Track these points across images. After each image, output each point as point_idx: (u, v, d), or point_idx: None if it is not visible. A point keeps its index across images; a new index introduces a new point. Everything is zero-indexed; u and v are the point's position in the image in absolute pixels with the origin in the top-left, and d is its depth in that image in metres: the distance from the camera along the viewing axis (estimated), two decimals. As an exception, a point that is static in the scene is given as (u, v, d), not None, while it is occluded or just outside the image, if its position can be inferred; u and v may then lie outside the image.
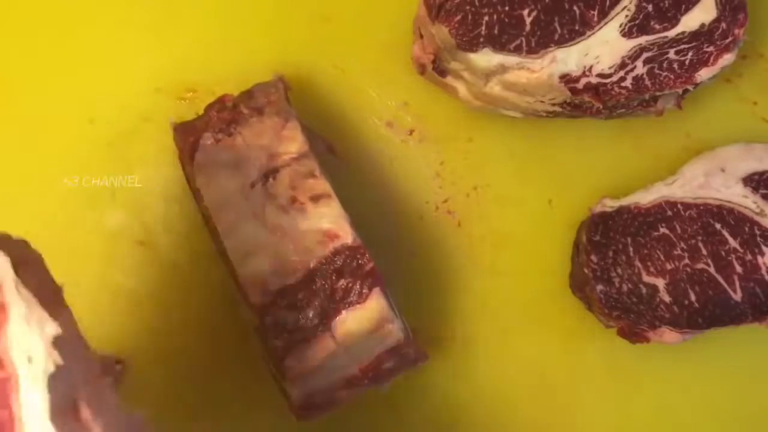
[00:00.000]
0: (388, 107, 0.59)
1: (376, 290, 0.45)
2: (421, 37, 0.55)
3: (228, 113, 0.49)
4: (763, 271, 0.54)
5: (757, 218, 0.55)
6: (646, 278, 0.55)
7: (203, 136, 0.48)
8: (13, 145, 0.57)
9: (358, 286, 0.45)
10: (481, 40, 0.50)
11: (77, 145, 0.57)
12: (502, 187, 0.59)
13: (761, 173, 0.57)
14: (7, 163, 0.57)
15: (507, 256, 0.59)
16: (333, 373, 0.46)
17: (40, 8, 0.58)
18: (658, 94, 0.53)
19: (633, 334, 0.55)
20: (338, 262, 0.45)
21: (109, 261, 0.56)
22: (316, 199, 0.46)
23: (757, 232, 0.55)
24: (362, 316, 0.45)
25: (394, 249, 0.57)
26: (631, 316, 0.54)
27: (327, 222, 0.46)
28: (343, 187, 0.48)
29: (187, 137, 0.48)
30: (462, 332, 0.58)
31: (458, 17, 0.50)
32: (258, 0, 0.59)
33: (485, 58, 0.51)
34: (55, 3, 0.58)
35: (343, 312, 0.45)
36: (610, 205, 0.56)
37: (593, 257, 0.55)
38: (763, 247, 0.55)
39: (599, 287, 0.55)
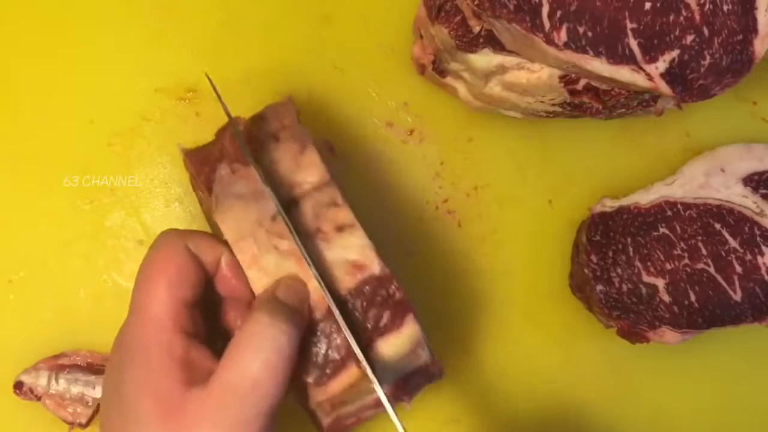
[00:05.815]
0: (388, 107, 0.59)
1: (410, 317, 0.45)
2: (421, 37, 0.55)
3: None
4: (763, 271, 0.54)
5: (757, 218, 0.55)
6: (646, 278, 0.55)
7: (219, 166, 0.46)
8: (13, 145, 0.57)
9: (389, 314, 0.44)
10: (481, 40, 0.50)
11: (77, 145, 0.57)
12: (502, 187, 0.59)
13: (761, 173, 0.57)
14: (8, 163, 0.57)
15: (507, 256, 0.59)
16: (363, 398, 0.46)
17: (39, 9, 0.58)
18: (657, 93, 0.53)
19: (633, 334, 0.55)
20: (367, 293, 0.44)
21: (109, 261, 0.57)
22: (340, 229, 0.45)
23: (757, 232, 0.55)
24: (397, 343, 0.44)
25: (394, 249, 0.58)
26: (631, 316, 0.54)
27: (353, 252, 0.45)
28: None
29: (202, 167, 0.47)
30: (462, 332, 0.58)
31: (458, 18, 0.50)
32: (258, 0, 0.59)
33: (485, 59, 0.50)
34: (55, 3, 0.58)
35: (377, 340, 0.44)
36: (610, 205, 0.57)
37: (593, 257, 0.55)
38: (763, 247, 0.55)
39: (599, 287, 0.55)
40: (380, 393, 0.43)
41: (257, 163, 0.45)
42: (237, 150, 0.46)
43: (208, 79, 0.48)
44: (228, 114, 0.46)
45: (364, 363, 0.43)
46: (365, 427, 0.57)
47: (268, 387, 0.39)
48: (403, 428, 0.43)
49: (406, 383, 0.47)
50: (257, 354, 0.39)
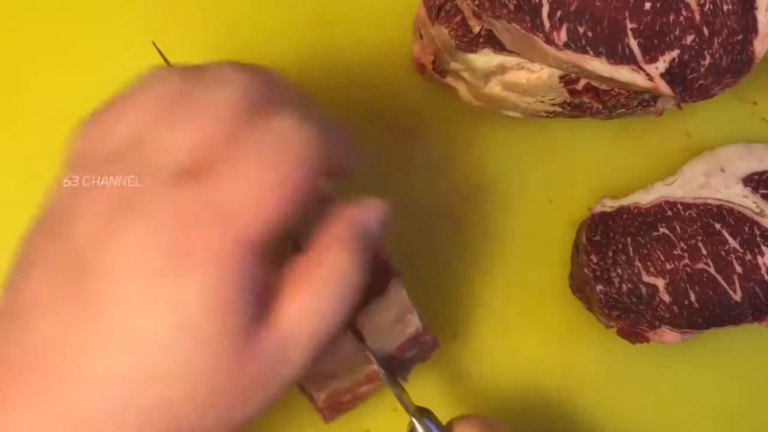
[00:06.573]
0: (388, 107, 0.59)
1: (395, 281, 0.45)
2: (421, 37, 0.55)
3: None
4: (763, 271, 0.54)
5: (757, 218, 0.55)
6: (646, 278, 0.55)
7: None
8: (13, 145, 0.57)
9: (374, 281, 0.45)
10: (481, 40, 0.50)
11: (77, 145, 0.57)
12: (502, 187, 0.59)
13: (761, 173, 0.57)
14: (8, 163, 0.57)
15: (507, 256, 0.59)
16: (355, 370, 0.46)
17: (39, 8, 0.58)
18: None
19: (633, 334, 0.55)
20: None
21: (110, 261, 0.57)
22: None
23: (757, 232, 0.55)
24: (385, 308, 0.45)
25: (394, 249, 0.57)
26: (631, 316, 0.54)
27: None
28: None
29: None
30: (462, 332, 0.58)
31: (458, 18, 0.50)
32: (258, 0, 0.59)
33: (485, 59, 0.51)
34: (55, 3, 0.58)
35: (365, 307, 0.44)
36: (610, 205, 0.57)
37: (593, 257, 0.55)
38: (763, 247, 0.55)
39: (599, 287, 0.55)
40: (365, 347, 0.43)
41: None
42: None
43: (158, 50, 0.48)
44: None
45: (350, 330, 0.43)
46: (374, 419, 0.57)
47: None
48: (401, 394, 0.42)
49: (401, 355, 0.47)
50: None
